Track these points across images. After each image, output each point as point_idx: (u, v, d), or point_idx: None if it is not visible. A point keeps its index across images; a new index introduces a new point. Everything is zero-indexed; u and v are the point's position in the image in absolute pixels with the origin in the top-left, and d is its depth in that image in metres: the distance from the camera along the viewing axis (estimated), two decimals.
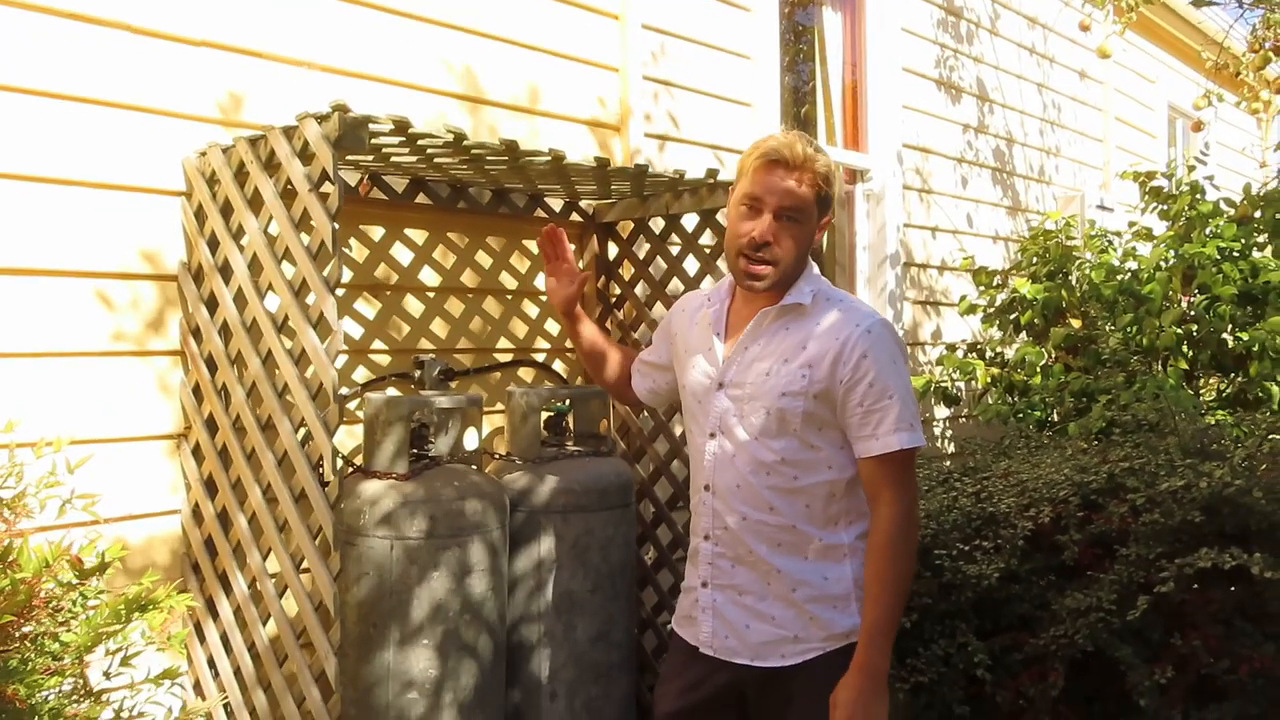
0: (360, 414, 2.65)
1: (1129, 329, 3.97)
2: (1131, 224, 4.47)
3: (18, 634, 1.58)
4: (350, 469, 2.54)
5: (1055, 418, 4.08)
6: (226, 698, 2.32)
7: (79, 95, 2.29)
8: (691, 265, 3.18)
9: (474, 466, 2.65)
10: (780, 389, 1.84)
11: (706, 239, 3.09)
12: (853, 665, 1.78)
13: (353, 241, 2.79)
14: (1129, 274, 4.26)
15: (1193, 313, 3.99)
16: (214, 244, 2.34)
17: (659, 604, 3.18)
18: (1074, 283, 4.33)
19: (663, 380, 2.20)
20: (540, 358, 3.27)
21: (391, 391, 2.80)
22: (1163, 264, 4.14)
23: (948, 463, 3.99)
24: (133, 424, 2.38)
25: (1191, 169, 4.44)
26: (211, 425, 2.36)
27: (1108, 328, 4.08)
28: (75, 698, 1.66)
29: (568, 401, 2.91)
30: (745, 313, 1.95)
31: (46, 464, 1.89)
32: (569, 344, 3.34)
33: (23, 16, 2.21)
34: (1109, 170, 6.34)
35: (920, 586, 2.62)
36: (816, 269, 1.95)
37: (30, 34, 2.22)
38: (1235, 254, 4.07)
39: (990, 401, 4.38)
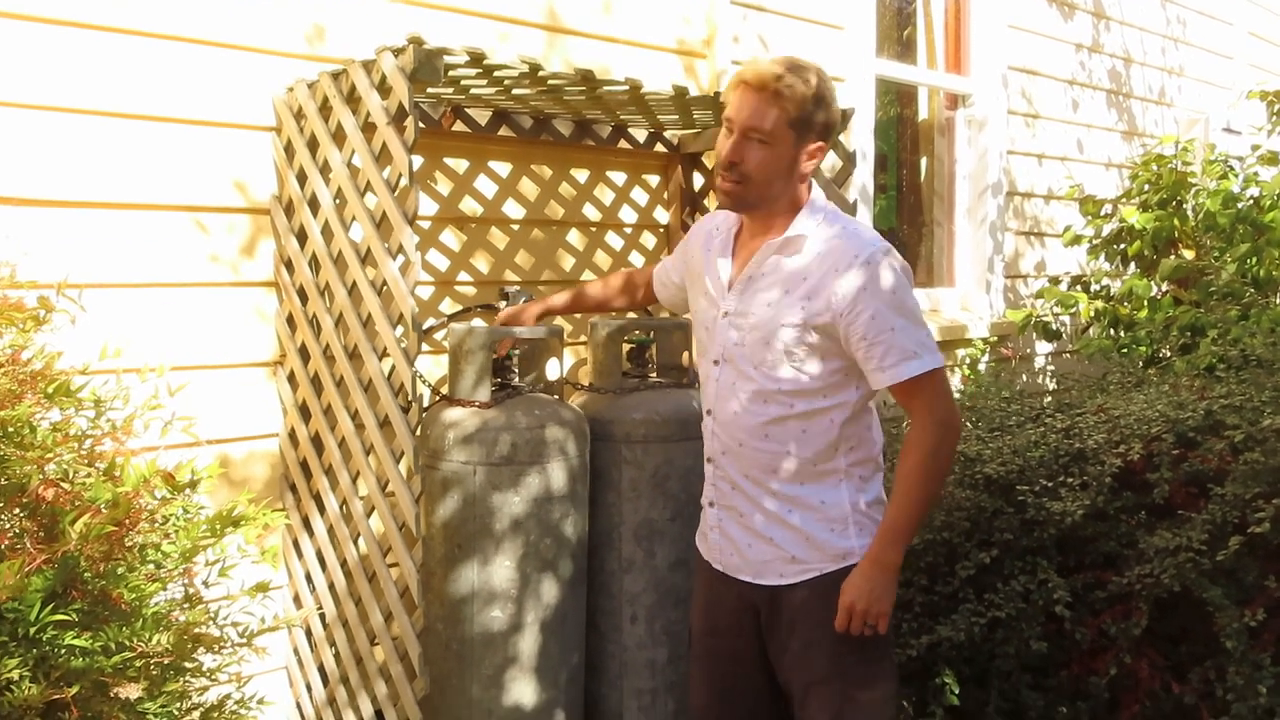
0: (447, 344, 2.73)
1: (1246, 260, 3.75)
2: (1255, 147, 4.19)
3: (124, 545, 1.70)
4: (437, 397, 2.63)
5: (1165, 353, 3.91)
6: (321, 609, 2.46)
7: (175, 34, 2.37)
8: None
9: (555, 396, 2.71)
10: (781, 320, 1.87)
11: None
12: (866, 557, 1.88)
13: (437, 174, 2.84)
14: (1250, 201, 4.01)
15: None
16: (302, 178, 2.43)
17: None
18: (1188, 211, 4.10)
19: (680, 297, 2.28)
20: None
21: (476, 322, 2.87)
22: None
23: (1049, 399, 3.88)
24: (233, 351, 2.51)
25: None
26: (304, 353, 2.47)
27: (1223, 259, 3.86)
28: (178, 605, 1.78)
29: (650, 333, 2.93)
30: (751, 244, 1.97)
31: (150, 388, 2.01)
32: None
33: None
34: (1239, 90, 5.94)
35: (1001, 522, 2.58)
36: (822, 198, 1.95)
37: None
38: None
39: (1094, 336, 4.22)
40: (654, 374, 2.95)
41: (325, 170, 2.34)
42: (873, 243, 1.86)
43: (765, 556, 1.95)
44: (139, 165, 2.35)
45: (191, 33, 2.39)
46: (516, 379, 2.64)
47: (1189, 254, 4.04)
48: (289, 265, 2.49)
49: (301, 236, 2.45)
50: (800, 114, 1.84)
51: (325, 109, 2.32)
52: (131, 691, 1.58)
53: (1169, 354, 3.80)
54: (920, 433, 1.86)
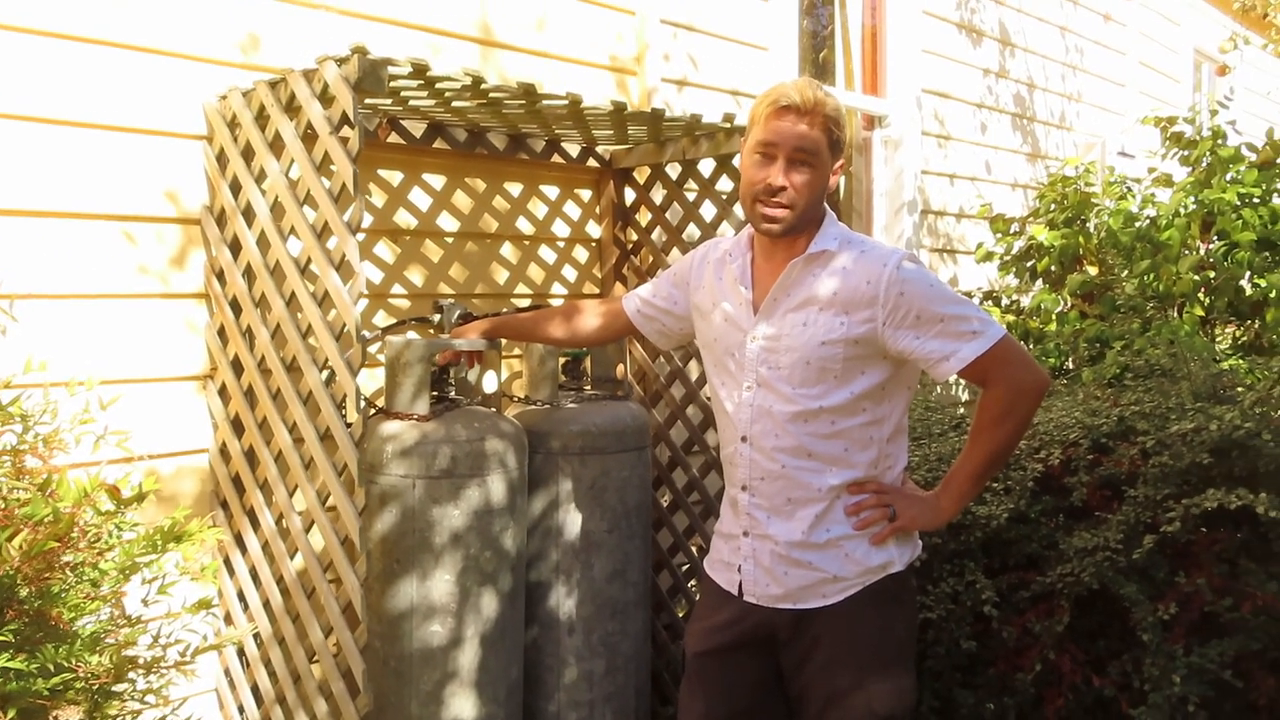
0: (381, 357, 2.70)
1: (1146, 276, 3.96)
2: (1151, 170, 4.43)
3: (60, 562, 1.64)
4: (373, 410, 2.60)
5: (1070, 365, 4.09)
6: (256, 627, 2.40)
7: (101, 39, 2.31)
8: (708, 211, 3.19)
9: (493, 409, 2.70)
10: (819, 338, 1.87)
11: (723, 184, 3.10)
12: (929, 494, 1.98)
13: (372, 186, 2.82)
14: (1147, 220, 4.24)
15: (1211, 259, 3.98)
16: (236, 187, 2.38)
17: (674, 545, 3.25)
18: (1092, 230, 4.31)
19: (675, 326, 2.22)
20: (558, 303, 3.30)
21: (412, 335, 2.85)
22: (1182, 210, 4.11)
23: (961, 409, 4.02)
24: (160, 364, 2.43)
25: (1214, 113, 4.39)
26: (237, 366, 2.41)
27: (1124, 275, 4.07)
28: (115, 623, 1.73)
29: (584, 346, 2.95)
30: (768, 266, 1.96)
31: (80, 402, 1.94)
32: (586, 289, 3.37)
33: None
34: (1131, 116, 6.27)
35: None
36: (833, 215, 1.97)
37: None
38: (1256, 200, 4.04)
39: None
40: (589, 386, 2.97)
41: (261, 179, 2.30)
42: (895, 250, 1.90)
43: (805, 581, 1.92)
44: (63, 172, 2.27)
45: (118, 37, 2.33)
46: (453, 391, 2.63)
47: (1093, 270, 4.24)
48: (221, 276, 2.44)
49: (235, 247, 2.40)
50: (837, 134, 1.88)
51: (262, 117, 2.28)
52: (71, 714, 1.53)
53: (1076, 365, 3.98)
54: (990, 398, 1.88)
